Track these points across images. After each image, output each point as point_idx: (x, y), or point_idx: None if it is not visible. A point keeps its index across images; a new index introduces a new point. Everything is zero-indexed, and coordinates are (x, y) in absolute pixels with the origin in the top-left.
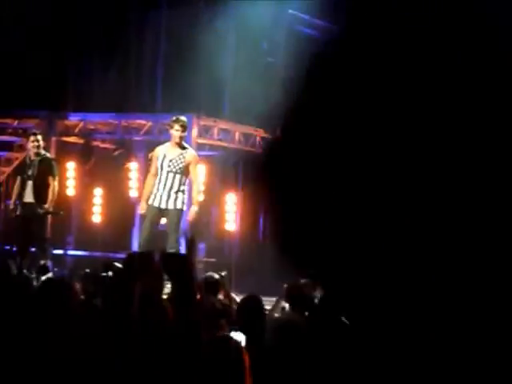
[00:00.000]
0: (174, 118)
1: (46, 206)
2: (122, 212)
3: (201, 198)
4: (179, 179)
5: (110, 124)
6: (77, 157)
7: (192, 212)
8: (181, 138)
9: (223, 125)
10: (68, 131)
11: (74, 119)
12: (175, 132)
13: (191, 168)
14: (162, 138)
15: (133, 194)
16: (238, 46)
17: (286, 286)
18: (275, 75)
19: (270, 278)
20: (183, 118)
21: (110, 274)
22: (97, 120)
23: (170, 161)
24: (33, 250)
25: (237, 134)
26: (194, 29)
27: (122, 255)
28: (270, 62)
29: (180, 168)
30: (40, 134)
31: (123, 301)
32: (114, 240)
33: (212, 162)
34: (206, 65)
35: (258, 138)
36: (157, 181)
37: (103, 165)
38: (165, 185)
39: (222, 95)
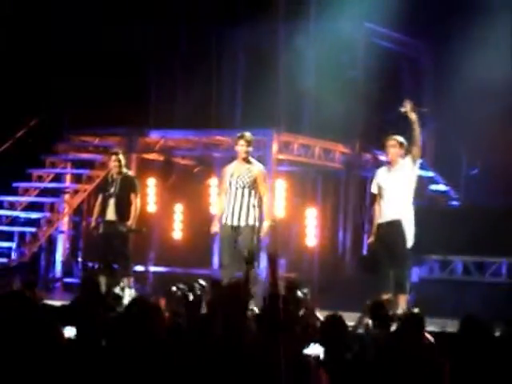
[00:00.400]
0: (239, 134)
1: (129, 223)
2: (202, 228)
3: (276, 211)
4: (248, 194)
5: (190, 141)
6: (157, 173)
7: (265, 227)
8: (246, 152)
9: (303, 140)
10: (148, 148)
11: (154, 136)
12: (239, 147)
13: (259, 182)
14: None
15: (213, 210)
16: (318, 60)
17: (368, 302)
18: (355, 89)
19: (351, 293)
20: (247, 133)
21: (194, 293)
22: (177, 137)
23: (238, 177)
24: (115, 267)
25: (316, 150)
26: (274, 45)
27: (204, 271)
28: (350, 76)
29: (248, 183)
30: (121, 152)
31: (207, 322)
32: (194, 256)
33: (292, 178)
34: (286, 80)
35: (337, 153)
36: (227, 198)
37: (184, 181)
38: (235, 201)
39: (301, 110)
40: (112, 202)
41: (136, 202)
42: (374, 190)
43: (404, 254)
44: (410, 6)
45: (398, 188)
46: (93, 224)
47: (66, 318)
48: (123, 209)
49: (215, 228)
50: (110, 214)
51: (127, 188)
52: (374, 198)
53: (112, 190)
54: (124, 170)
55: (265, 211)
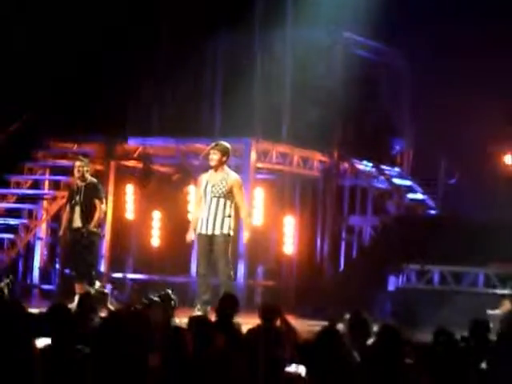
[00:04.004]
0: (213, 144)
1: (90, 225)
2: (180, 235)
3: (254, 220)
4: (223, 203)
5: (169, 148)
6: (136, 180)
7: (246, 237)
8: (218, 161)
9: (281, 148)
10: (127, 155)
11: (133, 143)
12: (210, 156)
13: (235, 191)
14: None
15: (191, 217)
16: (295, 68)
17: (348, 315)
18: (334, 98)
19: (328, 301)
20: (222, 142)
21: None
22: (156, 144)
23: (213, 186)
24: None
25: (295, 158)
26: (252, 54)
27: (182, 279)
28: (328, 84)
29: (223, 192)
30: (85, 159)
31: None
32: (172, 263)
33: (270, 186)
34: (265, 89)
35: (315, 162)
36: (202, 208)
37: (162, 188)
38: (209, 210)
39: (280, 119)
40: (78, 209)
41: (100, 208)
42: None
43: None
44: (388, 15)
45: None
46: (61, 233)
47: (43, 326)
48: (88, 215)
49: (190, 236)
50: (76, 222)
51: (91, 195)
52: None
53: (77, 198)
54: (88, 177)
55: (244, 221)
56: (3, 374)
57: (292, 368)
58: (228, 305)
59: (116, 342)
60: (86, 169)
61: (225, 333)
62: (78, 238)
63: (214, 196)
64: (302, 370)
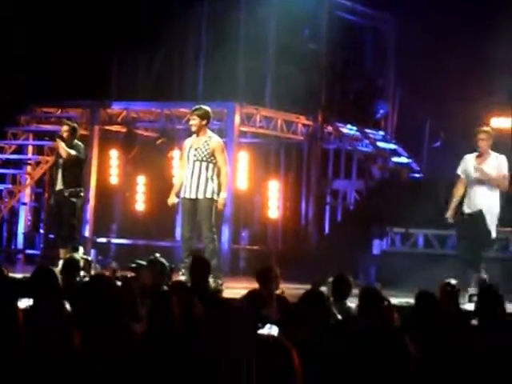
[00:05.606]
0: (192, 109)
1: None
2: (165, 200)
3: (237, 184)
4: (206, 167)
5: (153, 112)
6: (120, 145)
7: (221, 199)
8: (197, 126)
9: (265, 112)
10: (111, 120)
11: (116, 108)
12: (190, 121)
13: (217, 155)
14: None
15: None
16: (279, 32)
17: (331, 278)
18: (318, 62)
19: (313, 265)
20: (201, 107)
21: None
22: (139, 109)
23: (196, 150)
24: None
25: (279, 122)
26: (235, 17)
27: (166, 243)
28: (312, 48)
29: (205, 156)
30: (72, 123)
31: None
32: (157, 228)
33: (254, 150)
34: (248, 52)
35: (300, 125)
36: (186, 172)
37: (146, 153)
38: (192, 175)
39: (263, 82)
40: (59, 172)
41: (67, 150)
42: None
43: None
44: None
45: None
46: (46, 196)
47: (26, 290)
48: (69, 177)
49: (171, 200)
50: (59, 184)
51: (73, 157)
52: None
53: (60, 160)
54: (72, 140)
55: (222, 182)
56: None
57: (265, 330)
58: (197, 269)
59: (96, 306)
60: (67, 133)
61: (199, 297)
62: (60, 201)
63: (197, 160)
64: (274, 331)
